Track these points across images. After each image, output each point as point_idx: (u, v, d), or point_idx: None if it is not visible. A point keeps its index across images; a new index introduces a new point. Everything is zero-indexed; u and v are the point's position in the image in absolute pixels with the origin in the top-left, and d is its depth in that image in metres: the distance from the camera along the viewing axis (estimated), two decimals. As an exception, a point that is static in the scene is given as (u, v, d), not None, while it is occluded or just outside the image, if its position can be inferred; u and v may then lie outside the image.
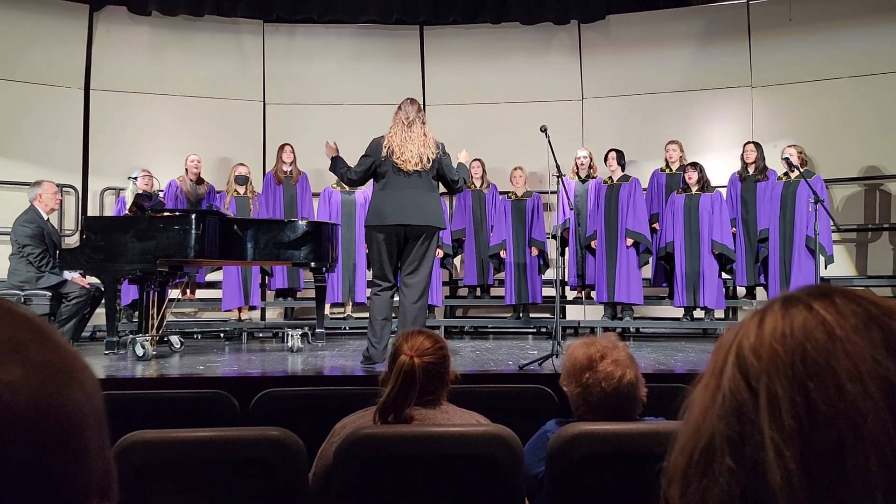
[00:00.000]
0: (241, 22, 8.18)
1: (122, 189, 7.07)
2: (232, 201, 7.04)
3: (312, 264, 5.45)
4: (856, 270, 7.29)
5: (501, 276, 7.28)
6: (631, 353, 2.02)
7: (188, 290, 7.16)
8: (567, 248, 7.05)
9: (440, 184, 4.59)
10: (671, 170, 7.04)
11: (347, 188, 7.00)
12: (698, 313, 6.75)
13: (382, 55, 8.31)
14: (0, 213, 6.68)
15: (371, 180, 4.64)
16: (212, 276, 7.34)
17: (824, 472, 0.48)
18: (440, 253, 6.98)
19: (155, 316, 5.30)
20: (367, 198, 5.06)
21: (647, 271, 7.03)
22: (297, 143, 7.45)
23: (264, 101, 8.20)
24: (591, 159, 7.13)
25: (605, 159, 7.01)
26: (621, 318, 6.92)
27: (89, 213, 7.40)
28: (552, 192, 6.65)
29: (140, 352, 4.77)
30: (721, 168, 7.16)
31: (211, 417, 2.81)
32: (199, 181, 7.17)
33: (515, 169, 7.24)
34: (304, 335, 5.63)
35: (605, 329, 6.42)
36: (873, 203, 7.31)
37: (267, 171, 7.58)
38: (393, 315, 4.60)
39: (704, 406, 0.54)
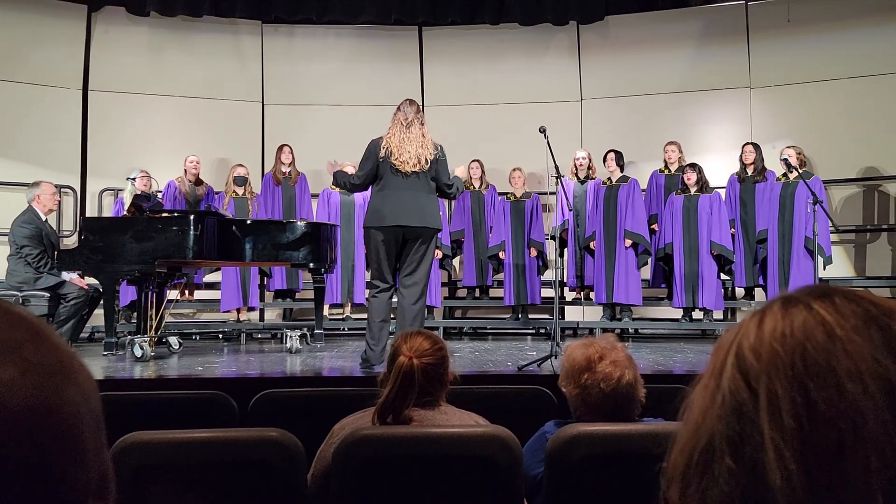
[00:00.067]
0: (240, 22, 8.18)
1: (121, 190, 7.06)
2: (230, 202, 7.04)
3: (311, 265, 5.45)
4: (854, 271, 7.30)
5: (500, 277, 7.28)
6: (629, 353, 2.02)
7: (187, 291, 7.15)
8: (566, 249, 7.05)
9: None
10: (670, 171, 7.05)
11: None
12: (697, 314, 6.75)
13: (381, 56, 8.31)
14: (-2, 214, 6.67)
15: None
16: (210, 277, 7.34)
17: (824, 472, 0.47)
18: (439, 254, 6.98)
19: (153, 317, 5.30)
20: (365, 199, 5.06)
21: (646, 272, 7.04)
22: (296, 144, 7.45)
23: (263, 101, 8.20)
24: (590, 160, 7.13)
25: (604, 160, 7.01)
26: (620, 319, 6.92)
27: (88, 214, 7.39)
28: (551, 193, 6.65)
29: (138, 353, 4.77)
30: (720, 169, 7.16)
31: (209, 418, 2.81)
32: (198, 182, 7.17)
33: (514, 170, 7.24)
34: (302, 336, 5.63)
35: (604, 330, 6.42)
36: (872, 204, 7.32)
37: (265, 172, 7.58)
38: (392, 316, 4.60)
39: (704, 406, 0.54)
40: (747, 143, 6.93)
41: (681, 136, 7.33)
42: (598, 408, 1.94)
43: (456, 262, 7.69)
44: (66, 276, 5.61)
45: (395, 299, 4.53)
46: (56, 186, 6.21)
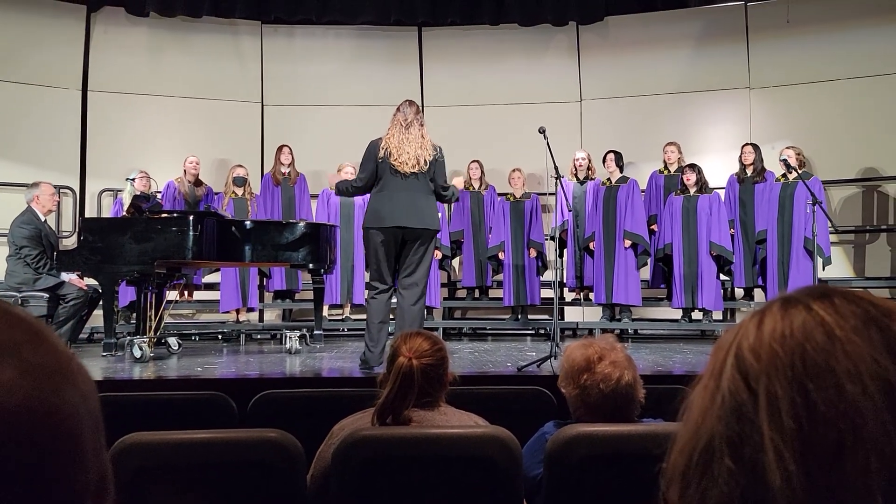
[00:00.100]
0: (240, 23, 8.18)
1: (120, 190, 7.06)
2: (230, 203, 7.04)
3: (311, 266, 5.45)
4: (853, 272, 7.30)
5: (500, 277, 7.28)
6: (629, 354, 2.02)
7: (186, 292, 7.15)
8: (565, 250, 7.05)
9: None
10: (669, 171, 7.05)
11: (337, 188, 6.99)
12: (696, 315, 6.75)
13: (380, 56, 8.31)
14: (-3, 215, 6.67)
15: None
16: (210, 278, 7.33)
17: (824, 472, 0.47)
18: (438, 254, 6.98)
19: (153, 317, 5.30)
20: (365, 200, 5.05)
21: (646, 273, 7.04)
22: (296, 145, 7.45)
23: (262, 102, 8.20)
24: (590, 161, 7.13)
25: (604, 161, 7.01)
26: (619, 320, 6.92)
27: (87, 215, 7.39)
28: (551, 194, 6.65)
29: (138, 353, 4.77)
30: (719, 169, 7.17)
31: (209, 419, 2.81)
32: (198, 182, 7.17)
33: (514, 170, 7.24)
34: (302, 337, 5.63)
35: (604, 330, 6.42)
36: (871, 204, 7.32)
37: (265, 173, 7.58)
38: (391, 317, 4.60)
39: (704, 407, 0.54)
40: (746, 144, 6.93)
41: (680, 136, 7.33)
42: (597, 408, 1.94)
43: (455, 262, 7.69)
44: (65, 276, 5.61)
45: (394, 300, 4.53)
46: (55, 187, 6.20)
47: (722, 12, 7.91)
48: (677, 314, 6.86)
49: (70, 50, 7.67)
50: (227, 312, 7.15)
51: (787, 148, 6.38)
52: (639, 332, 7.26)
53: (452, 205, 7.42)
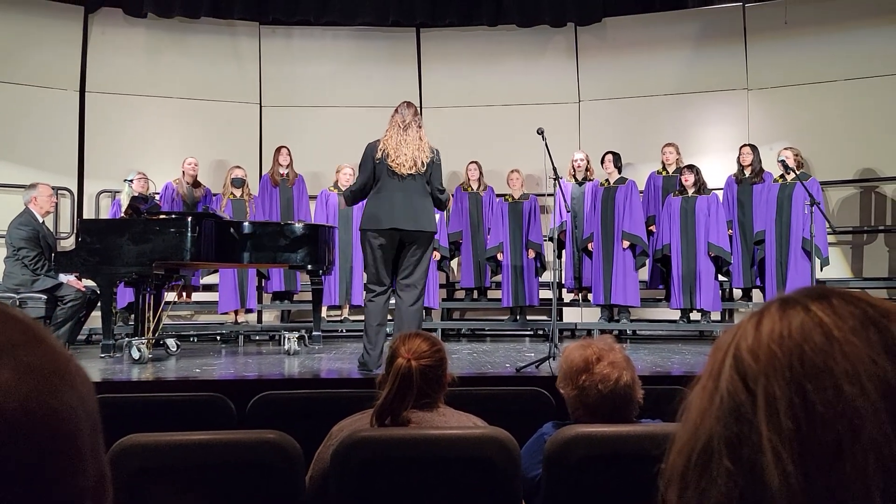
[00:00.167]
0: (238, 24, 8.18)
1: (118, 192, 7.06)
2: (228, 204, 7.03)
3: (309, 267, 5.44)
4: (851, 272, 7.31)
5: (498, 278, 7.28)
6: (627, 355, 2.02)
7: (184, 293, 7.15)
8: (564, 251, 7.05)
9: None
10: (668, 172, 7.06)
11: (343, 194, 6.99)
12: (695, 315, 6.75)
13: (379, 57, 8.31)
14: (-5, 216, 6.66)
15: None
16: (208, 279, 7.33)
17: (822, 473, 0.48)
18: (437, 255, 6.98)
19: (151, 319, 5.29)
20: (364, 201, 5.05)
21: (644, 273, 7.04)
22: (294, 146, 7.45)
23: (260, 103, 8.20)
24: (588, 162, 7.14)
25: (602, 162, 7.02)
26: (618, 321, 6.92)
27: (85, 216, 7.38)
28: (549, 195, 6.66)
29: (136, 355, 4.76)
30: (717, 170, 7.17)
31: (207, 420, 2.81)
32: (196, 184, 7.16)
33: (512, 171, 7.25)
34: (300, 338, 5.62)
35: (602, 331, 6.42)
36: (869, 205, 7.33)
37: (263, 174, 7.57)
38: (389, 318, 4.59)
39: (702, 408, 0.54)
40: (745, 145, 6.94)
41: (678, 137, 7.34)
42: (596, 409, 1.94)
43: (454, 263, 7.69)
44: (63, 278, 5.60)
45: (392, 301, 4.53)
46: (53, 188, 6.20)
47: (720, 13, 7.92)
48: (676, 315, 6.86)
49: (68, 51, 7.66)
50: (226, 314, 7.14)
51: (786, 149, 6.38)
52: (637, 332, 7.26)
53: (451, 206, 7.44)
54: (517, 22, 8.19)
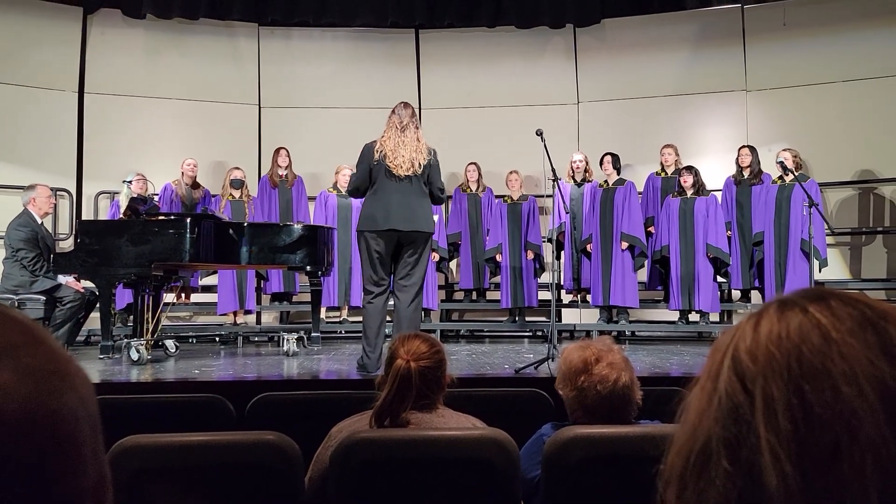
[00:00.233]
0: (236, 25, 8.18)
1: (117, 193, 7.06)
2: (227, 205, 7.03)
3: (308, 268, 5.44)
4: (850, 273, 7.31)
5: (497, 279, 7.28)
6: (626, 356, 2.03)
7: (183, 295, 7.15)
8: (563, 252, 7.05)
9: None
10: (666, 173, 7.06)
11: (344, 192, 7.00)
12: (693, 316, 6.76)
13: (378, 59, 8.31)
14: (-6, 217, 6.65)
15: None
16: (207, 281, 7.33)
17: (820, 473, 0.48)
18: (436, 256, 6.99)
19: (150, 320, 5.29)
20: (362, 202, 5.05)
21: (643, 275, 7.04)
22: (293, 147, 7.44)
23: (259, 104, 8.20)
24: (587, 163, 7.14)
25: (601, 163, 7.02)
26: (617, 322, 6.93)
27: (84, 217, 7.38)
28: (548, 196, 6.67)
29: (135, 356, 4.76)
30: (716, 172, 7.18)
31: (206, 422, 2.80)
32: (195, 185, 7.16)
33: (511, 173, 7.25)
34: (299, 339, 5.62)
35: (601, 332, 6.42)
36: (867, 206, 7.34)
37: (262, 175, 7.57)
38: (388, 319, 4.59)
39: (700, 409, 0.54)
40: (743, 146, 6.95)
41: (677, 138, 7.35)
42: (594, 410, 1.94)
43: (453, 264, 7.69)
44: (62, 279, 5.60)
45: (391, 302, 4.53)
46: (52, 189, 6.20)
47: (718, 15, 7.93)
48: (674, 316, 6.87)
49: (67, 52, 7.66)
50: (225, 315, 7.14)
51: (784, 150, 6.39)
52: (636, 333, 7.26)
53: (450, 207, 7.45)
54: (516, 23, 8.20)
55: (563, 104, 8.14)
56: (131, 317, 5.87)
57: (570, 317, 7.44)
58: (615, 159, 7.00)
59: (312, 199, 7.45)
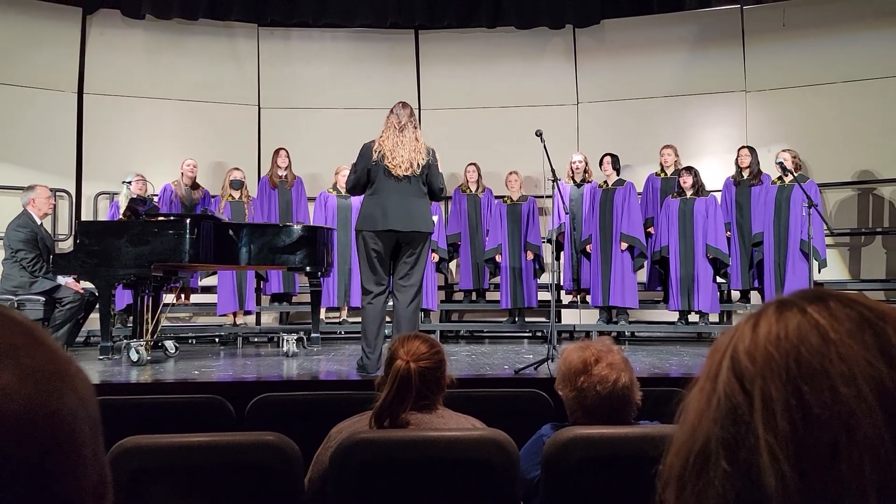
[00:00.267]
0: (236, 26, 8.18)
1: (116, 193, 7.05)
2: (227, 206, 7.03)
3: (308, 269, 5.44)
4: (849, 274, 7.31)
5: (497, 280, 7.29)
6: (626, 356, 2.03)
7: (183, 295, 7.14)
8: (562, 253, 7.06)
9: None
10: (666, 174, 7.06)
11: (343, 192, 7.00)
12: (693, 317, 6.76)
13: (377, 59, 8.32)
14: (-6, 218, 6.65)
15: None
16: (207, 281, 7.32)
17: (819, 474, 0.48)
18: (435, 257, 6.99)
19: (149, 321, 5.29)
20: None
21: (642, 275, 7.05)
22: (293, 148, 7.44)
23: (259, 105, 8.20)
24: (587, 164, 7.15)
25: (600, 164, 7.02)
26: (616, 322, 6.93)
27: (83, 218, 7.37)
28: (547, 197, 6.67)
29: (135, 357, 4.76)
30: (716, 172, 7.18)
31: (206, 422, 2.80)
32: (195, 186, 7.16)
33: (511, 173, 7.25)
34: (299, 340, 5.62)
35: (601, 333, 6.42)
36: (866, 207, 7.34)
37: (262, 176, 7.57)
38: (387, 320, 4.59)
39: (699, 409, 0.54)
40: (743, 147, 6.95)
41: (677, 139, 7.35)
42: (594, 411, 1.94)
43: (452, 265, 7.69)
44: (61, 280, 5.60)
45: (390, 302, 4.53)
46: (51, 190, 6.19)
47: (718, 15, 7.93)
48: (674, 317, 6.87)
49: (66, 52, 7.66)
50: (224, 315, 7.14)
51: (783, 151, 6.40)
52: (635, 334, 7.26)
53: (450, 208, 7.45)
54: (515, 24, 8.20)
55: (562, 105, 8.15)
56: (131, 317, 5.86)
57: (569, 317, 7.44)
58: (615, 160, 7.00)
59: (312, 199, 7.45)
